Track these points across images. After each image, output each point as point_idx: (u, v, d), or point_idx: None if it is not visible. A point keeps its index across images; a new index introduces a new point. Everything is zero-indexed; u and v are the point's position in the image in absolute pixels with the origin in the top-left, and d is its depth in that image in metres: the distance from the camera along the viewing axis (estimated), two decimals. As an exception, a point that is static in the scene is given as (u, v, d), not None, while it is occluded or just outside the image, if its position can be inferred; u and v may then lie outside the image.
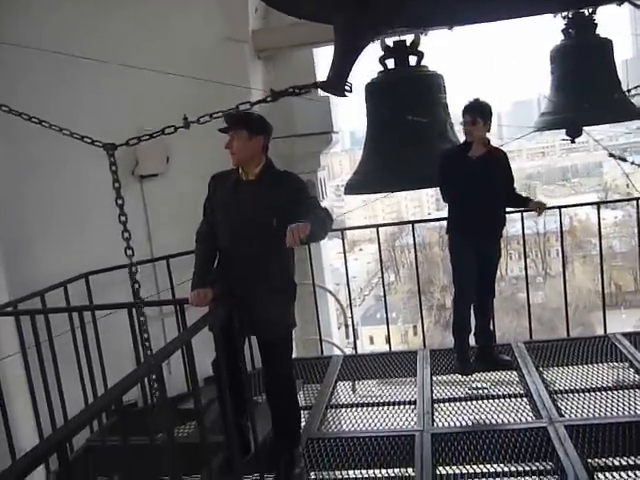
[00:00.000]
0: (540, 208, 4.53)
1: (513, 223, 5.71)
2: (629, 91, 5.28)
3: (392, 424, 4.27)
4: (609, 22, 5.64)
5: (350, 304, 6.19)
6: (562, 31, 5.30)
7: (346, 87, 2.41)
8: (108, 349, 4.55)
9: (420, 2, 2.42)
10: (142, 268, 4.92)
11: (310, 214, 3.09)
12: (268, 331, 3.48)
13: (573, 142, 5.15)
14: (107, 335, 4.54)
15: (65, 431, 2.15)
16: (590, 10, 5.18)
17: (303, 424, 4.08)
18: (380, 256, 6.38)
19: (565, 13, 5.13)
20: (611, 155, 3.64)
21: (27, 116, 3.40)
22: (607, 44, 5.28)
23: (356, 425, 4.35)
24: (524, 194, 4.82)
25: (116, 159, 3.45)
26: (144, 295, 4.00)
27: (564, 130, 5.22)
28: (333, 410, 4.60)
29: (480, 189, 4.30)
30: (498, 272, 5.01)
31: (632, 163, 3.82)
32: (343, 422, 4.47)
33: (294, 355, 4.06)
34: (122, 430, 2.68)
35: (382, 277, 7.16)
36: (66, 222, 5.12)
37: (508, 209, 4.72)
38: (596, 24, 5.25)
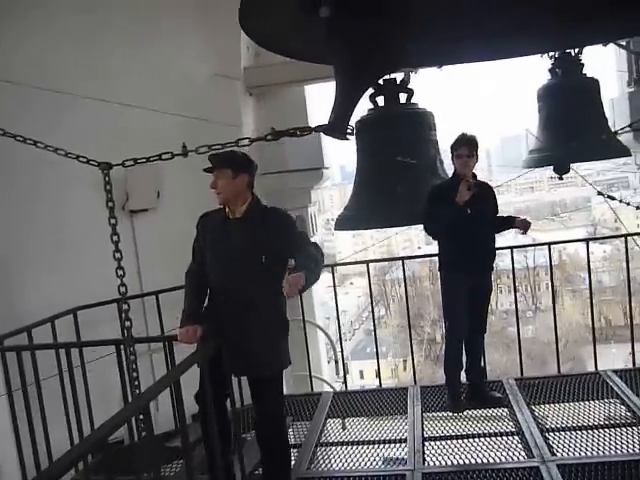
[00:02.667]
0: (525, 226, 4.54)
1: (502, 257, 5.72)
2: (616, 132, 5.36)
3: (383, 464, 4.22)
4: (595, 62, 5.75)
5: (340, 339, 6.15)
6: (549, 70, 5.41)
7: (348, 130, 2.41)
8: (96, 385, 4.47)
9: (418, 43, 2.44)
10: (131, 304, 4.88)
11: (302, 254, 3.10)
12: (259, 370, 3.45)
13: (561, 179, 5.21)
14: (95, 371, 4.46)
15: (50, 474, 2.10)
16: (576, 50, 5.29)
17: (292, 463, 4.02)
18: (370, 291, 6.37)
19: (552, 53, 5.23)
20: (600, 194, 3.68)
21: (22, 138, 3.39)
22: (593, 83, 5.37)
23: (346, 464, 4.28)
24: (505, 214, 4.82)
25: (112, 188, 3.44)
26: (133, 331, 3.97)
27: (552, 167, 5.29)
28: (323, 448, 4.53)
29: (471, 225, 4.32)
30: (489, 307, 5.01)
31: (620, 201, 3.86)
32: (333, 461, 4.41)
33: (284, 392, 4.03)
34: (107, 469, 2.63)
35: (372, 312, 7.11)
36: (54, 255, 5.07)
37: (498, 243, 4.75)
38: (582, 64, 5.36)
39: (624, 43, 5.35)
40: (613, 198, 3.69)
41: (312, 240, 3.72)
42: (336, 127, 2.32)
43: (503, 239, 4.90)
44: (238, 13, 1.98)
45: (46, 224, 5.06)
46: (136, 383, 3.62)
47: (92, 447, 2.34)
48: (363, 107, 4.83)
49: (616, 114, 6.22)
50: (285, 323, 3.54)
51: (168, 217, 5.40)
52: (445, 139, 4.76)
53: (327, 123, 2.32)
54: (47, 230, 5.07)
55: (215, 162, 3.38)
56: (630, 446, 4.03)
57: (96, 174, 3.44)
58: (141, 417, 2.88)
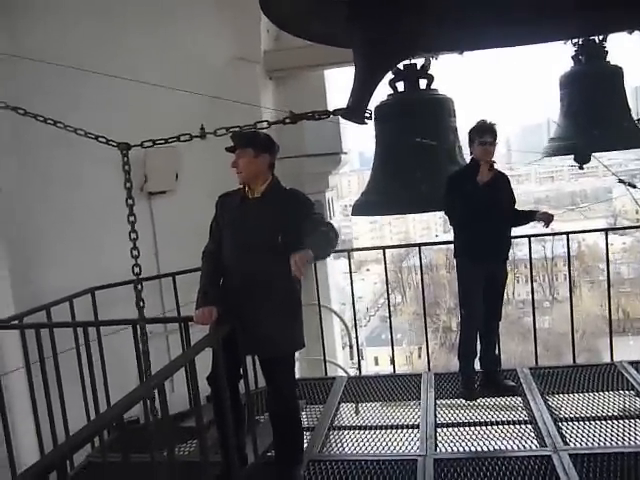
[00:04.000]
0: (547, 219, 4.51)
1: (520, 246, 5.70)
2: (639, 120, 5.29)
3: (395, 448, 4.24)
4: (621, 49, 5.67)
5: (355, 325, 6.17)
6: (572, 57, 5.33)
7: (366, 115, 2.41)
8: (113, 364, 4.54)
9: (439, 28, 2.42)
10: (148, 284, 4.91)
11: (315, 231, 3.12)
12: (269, 349, 3.48)
13: (581, 168, 5.16)
14: (112, 350, 4.52)
15: (66, 448, 2.15)
16: (600, 37, 5.21)
17: (305, 445, 4.05)
18: (386, 279, 6.37)
19: (575, 40, 5.16)
20: (621, 181, 3.64)
21: (42, 118, 3.40)
22: (617, 71, 5.29)
23: (358, 448, 4.30)
24: (527, 208, 4.80)
25: (130, 169, 3.46)
26: (149, 311, 4.00)
27: (573, 156, 5.23)
28: (335, 432, 4.56)
29: (489, 212, 4.31)
30: (505, 295, 5.00)
31: (643, 190, 3.82)
32: (345, 445, 4.43)
33: (298, 375, 4.04)
34: (123, 447, 2.67)
35: (388, 300, 7.12)
36: (74, 236, 5.12)
37: (515, 231, 4.73)
38: (606, 51, 5.27)
39: (650, 31, 5.25)
40: (635, 186, 3.65)
41: (329, 221, 3.73)
42: (354, 111, 2.32)
43: (521, 228, 4.86)
44: (259, -3, 1.96)
45: (65, 204, 5.12)
46: (149, 363, 3.65)
47: (107, 424, 2.37)
48: (383, 92, 4.82)
49: (640, 103, 6.13)
50: (299, 305, 3.56)
51: (186, 199, 5.44)
52: (464, 126, 4.73)
53: (345, 107, 2.32)
54: (66, 210, 5.13)
55: (237, 141, 3.40)
56: (644, 438, 4.02)
57: (115, 154, 3.45)
58: (156, 396, 2.91)
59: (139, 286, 3.48)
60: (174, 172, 5.45)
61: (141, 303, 3.47)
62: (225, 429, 3.42)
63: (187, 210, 5.28)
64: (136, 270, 3.46)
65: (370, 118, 2.35)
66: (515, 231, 4.80)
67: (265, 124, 2.87)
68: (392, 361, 6.32)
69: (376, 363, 32.36)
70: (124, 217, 3.49)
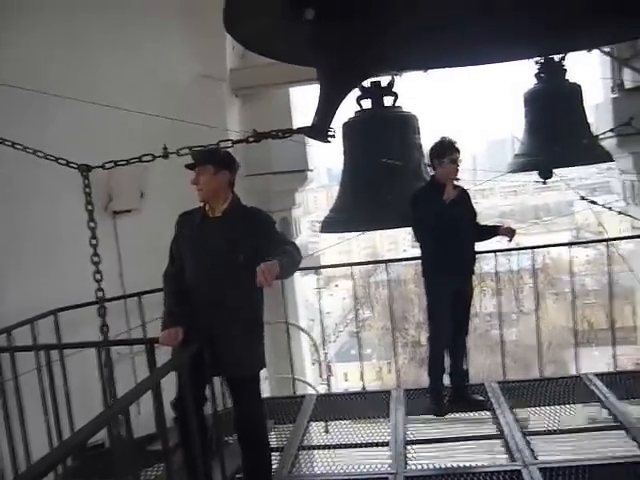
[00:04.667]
0: (510, 234, 4.56)
1: (487, 260, 5.77)
2: (597, 137, 5.42)
3: (365, 467, 4.21)
4: (582, 68, 5.81)
5: (323, 341, 6.15)
6: (535, 75, 5.44)
7: (330, 133, 2.40)
8: (77, 388, 4.44)
9: (401, 47, 2.43)
10: (113, 305, 4.85)
11: (279, 250, 3.10)
12: (234, 370, 3.45)
13: (545, 183, 5.24)
14: (76, 373, 4.43)
15: (28, 477, 2.08)
16: (560, 56, 5.32)
17: (274, 466, 4.00)
18: (355, 295, 6.40)
19: (538, 58, 5.26)
20: (582, 198, 3.71)
21: (10, 143, 3.33)
22: (576, 89, 5.42)
23: (328, 468, 4.28)
24: (490, 223, 4.85)
25: (92, 191, 3.40)
26: (115, 332, 3.91)
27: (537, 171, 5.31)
28: (305, 452, 4.51)
29: (455, 228, 4.34)
30: (472, 309, 5.04)
31: (603, 206, 3.90)
32: (315, 464, 4.40)
33: (266, 394, 4.00)
34: (87, 474, 2.60)
35: (356, 315, 7.16)
36: (36, 256, 5.02)
37: (482, 247, 4.77)
38: (565, 69, 5.39)
39: (608, 50, 5.40)
40: (595, 203, 3.73)
41: (292, 241, 3.72)
42: (318, 130, 2.31)
43: (487, 242, 4.92)
44: (223, 15, 1.96)
45: (27, 225, 5.01)
46: (113, 387, 3.57)
47: (70, 451, 2.31)
48: (350, 109, 4.84)
49: (600, 120, 6.27)
50: (261, 324, 3.54)
51: (152, 218, 5.37)
52: (428, 143, 4.77)
53: (309, 126, 2.31)
54: (28, 231, 5.03)
55: (197, 158, 3.38)
56: (611, 449, 4.06)
57: (79, 175, 3.40)
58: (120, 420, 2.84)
59: (102, 309, 3.40)
60: (139, 191, 5.39)
61: (105, 328, 3.39)
62: (191, 452, 3.36)
63: (153, 229, 5.20)
64: (99, 294, 3.38)
65: (334, 137, 2.34)
66: (481, 246, 4.85)
67: (229, 143, 2.85)
68: (361, 378, 6.31)
69: (346, 379, 32.24)
70: (88, 237, 3.42)
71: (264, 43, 2.26)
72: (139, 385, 2.93)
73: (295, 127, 2.68)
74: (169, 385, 3.39)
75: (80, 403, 4.31)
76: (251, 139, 2.78)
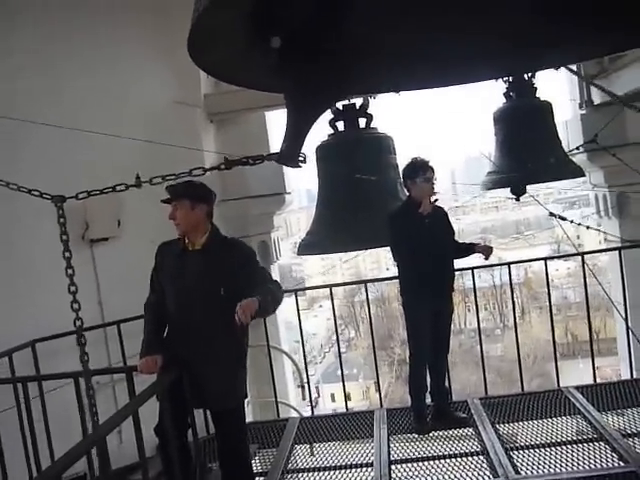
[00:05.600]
0: (486, 252, 4.60)
1: (470, 277, 5.84)
2: (571, 151, 5.51)
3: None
4: (550, 85, 5.93)
5: (305, 365, 6.14)
6: (504, 94, 5.53)
7: (300, 158, 2.41)
8: (57, 419, 4.38)
9: (370, 71, 2.46)
10: (93, 333, 4.81)
11: (261, 289, 3.11)
12: (215, 403, 3.44)
13: (518, 200, 5.31)
14: (56, 404, 4.38)
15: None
16: (529, 74, 5.43)
17: (258, 491, 3.98)
18: (334, 316, 6.38)
19: (506, 77, 5.36)
20: (551, 214, 3.77)
21: None
22: (546, 106, 5.52)
23: (313, 490, 4.26)
24: (467, 241, 4.90)
25: (66, 221, 3.40)
26: (95, 361, 3.88)
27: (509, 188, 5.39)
28: (289, 475, 4.49)
29: (432, 247, 4.38)
30: (457, 326, 5.08)
31: (571, 221, 3.97)
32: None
33: (249, 419, 3.98)
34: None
35: (337, 336, 7.15)
36: (13, 287, 4.98)
37: (460, 264, 4.82)
38: (535, 87, 5.50)
39: (575, 67, 5.51)
40: (564, 219, 3.79)
41: (273, 277, 3.73)
42: (288, 155, 2.33)
43: (466, 260, 4.97)
44: (187, 43, 1.98)
45: (3, 256, 4.97)
46: (94, 417, 3.54)
47: (47, 484, 2.29)
48: (324, 132, 4.89)
49: (570, 136, 6.38)
50: (243, 355, 3.53)
51: (129, 246, 5.35)
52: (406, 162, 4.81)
53: (279, 151, 2.35)
54: (5, 262, 4.99)
55: (173, 193, 3.39)
56: (592, 462, 4.08)
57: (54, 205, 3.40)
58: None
59: (81, 339, 3.39)
60: (116, 218, 5.37)
61: (85, 357, 3.37)
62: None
63: (131, 256, 5.19)
64: (78, 323, 3.37)
65: (304, 162, 2.36)
66: (459, 263, 4.90)
67: (200, 171, 2.87)
68: (345, 398, 6.30)
69: (333, 400, 32.13)
70: (64, 267, 3.41)
71: (230, 71, 2.29)
72: (118, 413, 2.92)
73: (270, 152, 2.73)
74: (153, 413, 3.38)
75: (60, 434, 4.26)
76: (222, 167, 2.81)
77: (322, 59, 2.25)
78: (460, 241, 4.87)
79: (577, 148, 4.55)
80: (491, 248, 4.67)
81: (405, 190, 4.70)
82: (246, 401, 3.74)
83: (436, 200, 4.53)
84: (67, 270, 3.23)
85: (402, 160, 4.80)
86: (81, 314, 3.47)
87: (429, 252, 4.36)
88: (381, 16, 2.17)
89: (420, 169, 4.46)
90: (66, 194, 3.50)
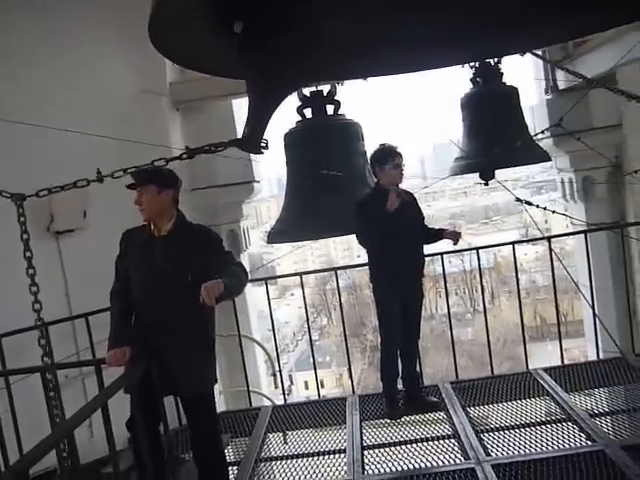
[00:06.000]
0: (455, 237, 4.63)
1: (439, 262, 5.87)
2: (536, 135, 5.57)
3: (323, 475, 4.21)
4: (515, 70, 5.97)
5: (277, 353, 6.14)
6: (470, 80, 5.56)
7: (262, 144, 2.39)
8: (25, 414, 4.31)
9: (334, 57, 2.44)
10: (60, 326, 4.75)
11: (225, 271, 3.09)
12: (186, 389, 3.42)
13: (486, 184, 5.35)
14: (23, 398, 4.31)
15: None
16: (495, 60, 5.46)
17: (232, 480, 3.97)
18: (305, 304, 6.39)
19: (472, 63, 5.38)
20: (518, 200, 3.81)
21: None
22: (513, 91, 5.55)
23: (287, 479, 4.26)
24: (436, 227, 4.92)
25: (29, 214, 3.34)
26: (62, 354, 3.83)
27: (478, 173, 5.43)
28: (262, 464, 4.49)
29: (401, 233, 4.38)
30: (428, 311, 5.12)
31: (537, 206, 4.01)
32: (273, 476, 4.38)
33: (221, 408, 3.96)
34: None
35: (308, 323, 7.16)
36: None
37: (429, 249, 4.84)
38: (502, 73, 5.53)
39: (540, 52, 5.55)
40: (530, 204, 3.83)
41: (238, 260, 3.71)
42: (249, 142, 2.31)
43: (435, 245, 4.99)
44: (148, 29, 1.93)
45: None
46: (58, 410, 3.50)
47: (15, 478, 2.25)
48: (292, 120, 4.86)
49: (536, 121, 6.46)
50: (211, 340, 3.51)
51: (96, 236, 5.26)
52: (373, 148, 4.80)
53: (240, 138, 2.32)
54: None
55: (138, 179, 3.34)
56: (560, 442, 4.15)
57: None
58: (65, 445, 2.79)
59: (44, 338, 3.34)
60: (82, 210, 5.29)
61: (47, 349, 3.33)
62: (144, 473, 3.32)
63: (97, 248, 5.10)
64: (36, 306, 3.32)
65: (267, 147, 2.34)
66: (429, 249, 4.92)
67: (163, 162, 2.83)
68: (317, 386, 6.32)
69: (306, 387, 32.25)
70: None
71: (191, 57, 2.25)
72: (87, 405, 2.88)
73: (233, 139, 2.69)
74: (123, 406, 3.34)
75: (28, 430, 4.20)
76: (184, 156, 2.77)
77: (283, 45, 2.23)
78: (429, 226, 4.88)
79: (542, 132, 4.59)
80: (459, 233, 4.69)
81: (373, 177, 4.69)
82: (218, 390, 3.73)
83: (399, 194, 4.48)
84: (28, 270, 3.18)
85: (370, 147, 4.80)
86: (48, 307, 3.42)
87: (398, 238, 4.36)
88: (345, 0, 2.15)
89: (389, 155, 4.45)
90: (28, 190, 3.44)
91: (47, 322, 3.52)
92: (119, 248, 3.54)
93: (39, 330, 3.33)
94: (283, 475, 4.31)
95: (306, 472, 4.28)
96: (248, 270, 3.54)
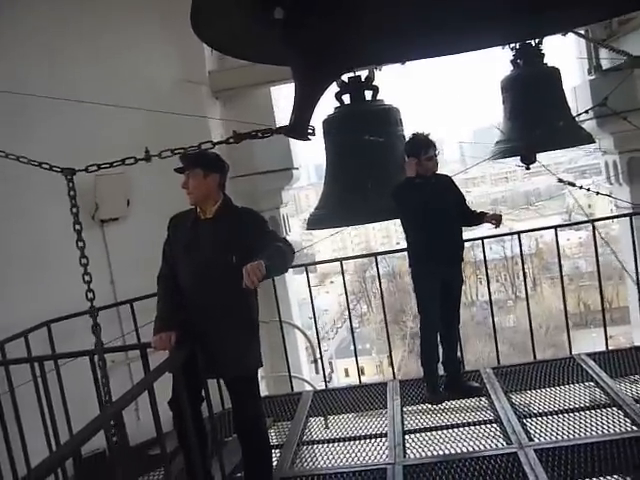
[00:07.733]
0: (496, 220, 4.59)
1: (480, 248, 5.82)
2: (579, 115, 5.46)
3: (364, 458, 4.24)
4: (557, 51, 5.85)
5: (318, 339, 6.18)
6: (511, 62, 5.47)
7: (309, 131, 2.41)
8: (74, 397, 4.44)
9: (375, 42, 2.44)
10: (106, 313, 4.87)
11: (269, 247, 3.11)
12: (231, 371, 3.47)
13: (528, 168, 5.27)
14: (72, 383, 4.44)
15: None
16: (537, 41, 5.36)
17: (275, 463, 4.03)
18: (345, 290, 6.41)
19: (512, 45, 5.29)
20: (560, 181, 3.74)
21: None
22: (555, 72, 5.45)
23: (328, 462, 4.29)
24: (478, 210, 4.87)
25: (76, 194, 3.41)
26: (108, 340, 3.92)
27: (519, 157, 5.35)
28: (305, 447, 4.54)
29: (438, 218, 4.36)
30: (468, 298, 5.08)
31: (581, 187, 3.93)
32: (315, 459, 4.42)
33: (264, 393, 4.01)
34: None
35: (349, 310, 7.18)
36: (26, 269, 5.01)
37: (469, 235, 4.79)
38: (543, 54, 5.43)
39: (583, 32, 5.44)
40: (573, 185, 3.76)
41: (284, 237, 3.74)
42: (297, 128, 2.32)
43: (475, 230, 4.95)
44: (190, 18, 1.96)
45: (16, 237, 5.00)
46: (106, 392, 3.60)
47: (63, 457, 2.33)
48: (330, 105, 4.86)
49: (579, 102, 6.32)
50: (256, 324, 3.55)
51: (139, 225, 5.39)
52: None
53: (288, 125, 2.33)
54: (17, 243, 5.02)
55: (186, 162, 3.40)
56: (605, 427, 4.10)
57: (62, 185, 3.40)
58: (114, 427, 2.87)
59: (93, 310, 3.43)
60: (125, 198, 5.41)
61: (97, 327, 3.41)
62: (190, 454, 3.39)
63: (141, 235, 5.22)
64: (90, 295, 3.41)
65: (313, 134, 2.35)
66: (469, 234, 4.87)
67: (210, 145, 2.87)
68: (358, 372, 6.35)
69: (346, 374, 32.30)
70: (74, 244, 3.42)
71: (234, 45, 2.28)
72: (133, 388, 2.95)
73: (276, 126, 2.72)
74: (168, 388, 3.41)
75: (78, 412, 4.31)
76: (231, 140, 2.81)
77: (326, 29, 2.23)
78: (472, 209, 4.83)
79: (586, 112, 4.48)
80: (500, 216, 4.63)
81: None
82: (260, 376, 3.77)
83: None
84: (77, 242, 3.25)
85: (408, 132, 4.78)
86: (94, 294, 3.51)
87: (435, 222, 4.34)
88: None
89: (423, 147, 4.42)
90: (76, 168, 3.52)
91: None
92: (167, 232, 3.60)
93: (91, 315, 3.42)
94: (325, 458, 4.35)
95: (347, 455, 4.31)
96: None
